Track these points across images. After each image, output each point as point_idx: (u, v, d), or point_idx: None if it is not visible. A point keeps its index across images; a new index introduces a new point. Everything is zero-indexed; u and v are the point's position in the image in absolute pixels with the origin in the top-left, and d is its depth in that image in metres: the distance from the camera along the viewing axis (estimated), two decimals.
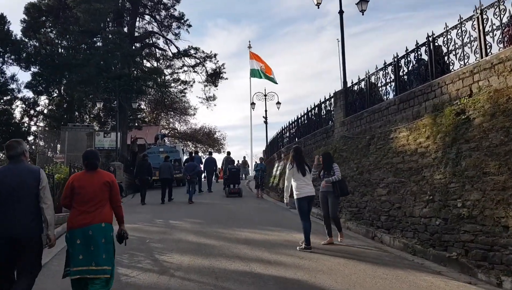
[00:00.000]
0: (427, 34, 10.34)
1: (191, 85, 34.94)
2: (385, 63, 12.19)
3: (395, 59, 11.60)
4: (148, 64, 33.33)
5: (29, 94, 34.69)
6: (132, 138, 29.68)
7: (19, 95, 34.98)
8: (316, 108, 17.31)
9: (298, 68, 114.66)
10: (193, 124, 48.99)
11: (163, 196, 17.34)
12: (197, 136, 48.58)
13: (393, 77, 11.86)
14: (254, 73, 34.11)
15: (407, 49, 11.16)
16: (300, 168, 8.38)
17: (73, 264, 4.65)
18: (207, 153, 28.56)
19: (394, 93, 11.79)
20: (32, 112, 37.75)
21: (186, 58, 33.80)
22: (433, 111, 9.43)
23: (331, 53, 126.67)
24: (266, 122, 30.16)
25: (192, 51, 33.27)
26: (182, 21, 33.74)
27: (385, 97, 12.32)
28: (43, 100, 36.71)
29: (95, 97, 26.08)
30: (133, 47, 31.03)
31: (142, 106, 44.02)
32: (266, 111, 30.21)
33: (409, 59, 11.18)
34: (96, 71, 27.16)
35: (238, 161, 30.53)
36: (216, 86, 35.41)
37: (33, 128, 37.27)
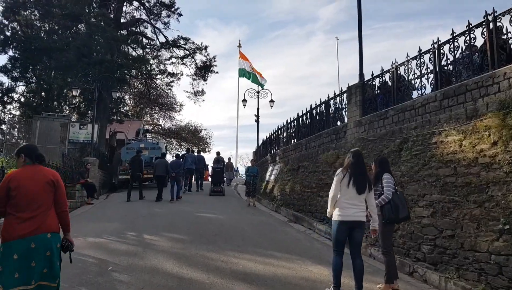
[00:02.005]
0: (485, 12, 8.03)
1: (179, 78, 32.35)
2: (420, 50, 9.86)
3: (435, 45, 9.27)
4: (133, 53, 30.52)
5: (3, 79, 31.83)
6: (111, 131, 26.99)
7: None
8: (323, 106, 14.90)
9: (285, 72, 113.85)
10: (178, 121, 46.42)
11: (159, 193, 16.96)
12: (182, 133, 45.91)
13: (431, 67, 9.52)
14: (242, 73, 32.50)
15: (453, 32, 8.82)
16: (356, 182, 5.77)
17: (6, 286, 3.85)
18: (196, 151, 26.02)
19: (432, 86, 9.45)
20: (5, 98, 34.72)
21: (175, 48, 31.17)
22: (499, 109, 7.07)
23: (320, 58, 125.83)
24: (257, 121, 27.62)
25: (182, 42, 30.64)
26: (173, 9, 31.15)
27: (418, 92, 9.96)
28: (20, 86, 34.00)
29: (73, 84, 23.21)
30: (119, 34, 28.27)
31: (127, 100, 41.38)
32: (258, 109, 27.72)
33: (456, 44, 8.83)
34: (75, 56, 24.44)
35: (229, 159, 28.44)
36: (205, 80, 32.86)
37: (8, 116, 34.44)
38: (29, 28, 28.95)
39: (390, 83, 11.15)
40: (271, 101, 27.42)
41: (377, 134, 10.85)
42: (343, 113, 13.42)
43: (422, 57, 9.80)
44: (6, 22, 29.14)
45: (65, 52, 24.89)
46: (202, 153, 25.03)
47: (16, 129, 32.35)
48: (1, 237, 3.99)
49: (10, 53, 28.98)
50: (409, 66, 10.28)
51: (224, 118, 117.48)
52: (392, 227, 6.61)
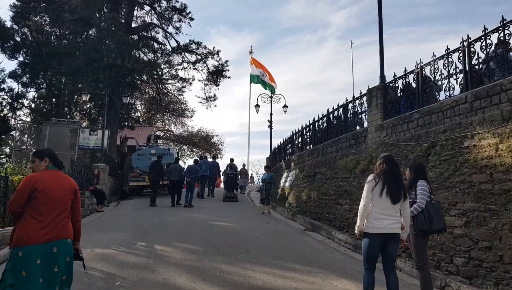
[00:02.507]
0: None
1: (190, 83, 31.89)
2: (447, 49, 9.27)
3: (465, 43, 8.68)
4: (144, 58, 30.14)
5: (13, 84, 31.68)
6: (122, 137, 26.60)
7: (4, 86, 31.90)
8: (341, 109, 14.31)
9: (296, 78, 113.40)
10: (190, 127, 45.92)
11: (173, 199, 17.16)
12: (194, 139, 45.39)
13: (460, 66, 8.92)
14: (253, 79, 31.84)
15: (485, 29, 8.22)
16: (390, 191, 5.15)
17: None
18: (211, 157, 25.68)
19: (462, 87, 8.85)
20: (16, 104, 34.57)
21: (186, 53, 30.71)
22: None
23: (331, 65, 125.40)
24: (271, 126, 27.02)
25: (193, 46, 30.21)
26: (184, 13, 30.72)
27: (446, 93, 9.35)
28: (30, 92, 33.83)
29: (83, 90, 22.86)
30: (129, 39, 27.95)
31: (138, 106, 41.14)
32: (271, 114, 27.09)
33: (488, 42, 8.23)
34: (85, 61, 24.10)
35: (244, 165, 27.91)
36: (217, 85, 32.35)
37: (18, 123, 34.21)
38: (39, 34, 28.71)
39: (414, 85, 10.56)
40: (285, 106, 26.82)
41: (401, 138, 10.26)
42: (363, 117, 12.83)
43: (450, 56, 9.21)
44: (16, 28, 28.96)
45: (75, 57, 24.57)
46: (216, 160, 24.64)
47: (26, 136, 32.15)
48: (19, 240, 3.82)
49: (20, 58, 28.83)
50: (435, 66, 9.69)
51: (235, 124, 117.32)
52: (425, 239, 5.98)
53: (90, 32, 29.18)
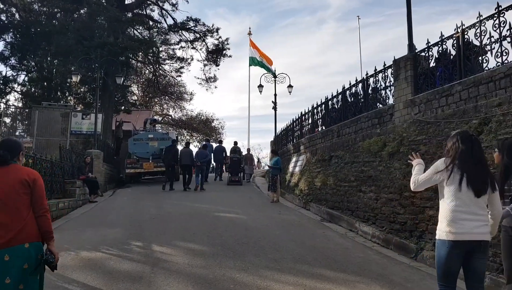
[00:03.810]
0: None
1: (189, 63, 30.14)
2: (498, 6, 7.72)
3: None
4: (139, 36, 28.40)
5: (1, 67, 30.08)
6: (118, 122, 25.01)
7: None
8: (359, 85, 12.77)
9: (295, 61, 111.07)
10: (189, 111, 44.30)
11: (184, 182, 17.42)
12: (193, 124, 43.80)
13: None
14: (253, 61, 30.86)
15: None
16: (471, 179, 3.67)
17: None
18: (217, 141, 24.50)
19: None
20: (5, 88, 32.90)
21: (184, 31, 28.96)
22: None
23: (330, 47, 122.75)
24: (275, 108, 25.43)
25: (191, 24, 28.41)
26: None
27: (497, 59, 7.81)
28: (21, 76, 32.21)
29: (74, 70, 21.19)
30: (123, 16, 26.17)
31: (135, 90, 39.53)
32: (275, 95, 25.47)
33: None
34: (76, 39, 22.46)
35: (248, 150, 26.31)
36: (217, 65, 30.65)
37: (7, 108, 32.65)
38: (27, 13, 27.06)
39: (453, 52, 9.02)
40: (290, 86, 25.21)
41: (439, 115, 8.73)
42: (387, 92, 11.31)
43: (502, 15, 7.66)
44: (3, 7, 27.27)
45: (65, 36, 22.91)
46: (223, 144, 23.54)
47: (18, 122, 30.60)
48: None
49: (8, 39, 27.19)
50: (482, 28, 8.14)
51: (234, 108, 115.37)
52: None
53: (82, 11, 27.45)
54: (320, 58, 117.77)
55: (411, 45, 10.43)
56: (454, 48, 8.99)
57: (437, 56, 9.54)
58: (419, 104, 9.61)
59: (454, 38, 8.92)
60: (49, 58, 27.83)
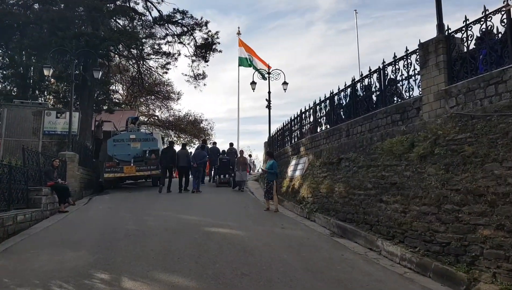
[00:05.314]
0: None
1: (176, 59, 28.04)
2: None
3: None
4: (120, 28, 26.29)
5: None
6: (97, 121, 22.88)
7: None
8: (374, 76, 10.95)
9: (285, 63, 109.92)
10: (176, 111, 42.25)
11: (181, 185, 17.10)
12: (181, 124, 41.74)
13: None
14: (243, 62, 30.13)
15: None
16: None
17: None
18: (211, 143, 23.07)
19: None
20: None
21: (170, 25, 26.97)
22: None
23: (319, 49, 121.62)
24: (269, 106, 23.51)
25: (178, 16, 26.26)
26: None
27: None
28: None
29: (46, 63, 19.09)
30: (104, 6, 24.04)
31: (120, 90, 37.51)
32: (269, 92, 23.56)
33: None
34: (50, 30, 20.40)
35: (241, 152, 24.42)
36: (206, 60, 28.52)
37: None
38: (0, 4, 24.86)
39: (501, 30, 7.24)
40: (284, 83, 23.34)
41: (487, 107, 6.93)
42: (411, 82, 9.50)
43: None
44: None
45: (40, 28, 20.83)
46: (217, 146, 22.00)
47: None
48: None
49: None
50: None
51: (223, 110, 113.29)
52: None
53: (59, 0, 25.34)
54: (310, 60, 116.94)
55: (440, 26, 8.66)
56: (503, 24, 7.20)
57: (479, 35, 7.75)
58: (456, 94, 7.83)
59: (503, 12, 7.15)
60: (23, 53, 25.70)
